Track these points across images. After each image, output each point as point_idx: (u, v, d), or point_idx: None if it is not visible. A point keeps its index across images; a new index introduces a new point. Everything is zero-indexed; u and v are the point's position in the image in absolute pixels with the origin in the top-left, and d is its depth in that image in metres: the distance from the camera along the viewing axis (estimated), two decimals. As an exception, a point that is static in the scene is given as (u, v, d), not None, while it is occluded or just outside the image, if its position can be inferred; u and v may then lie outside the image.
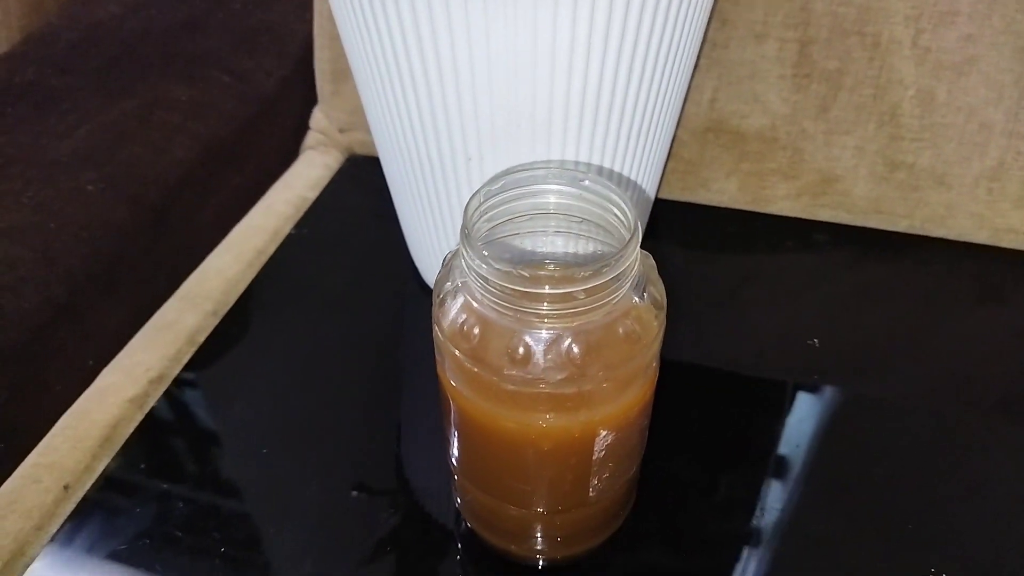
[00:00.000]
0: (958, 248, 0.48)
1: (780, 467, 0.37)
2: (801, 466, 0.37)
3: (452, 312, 0.26)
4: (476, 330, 0.25)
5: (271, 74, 0.58)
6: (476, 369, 0.25)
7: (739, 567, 0.33)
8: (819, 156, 0.48)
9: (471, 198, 0.26)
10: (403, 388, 0.42)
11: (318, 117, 0.57)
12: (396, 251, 0.47)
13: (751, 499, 0.35)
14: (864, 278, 0.47)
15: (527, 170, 0.27)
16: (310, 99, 0.57)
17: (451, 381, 0.27)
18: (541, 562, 0.33)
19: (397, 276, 0.47)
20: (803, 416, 0.39)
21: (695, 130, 0.49)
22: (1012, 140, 0.45)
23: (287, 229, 0.51)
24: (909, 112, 0.46)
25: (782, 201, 0.50)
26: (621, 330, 0.25)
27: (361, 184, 0.55)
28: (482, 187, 0.26)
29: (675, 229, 0.50)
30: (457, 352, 0.26)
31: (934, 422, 0.39)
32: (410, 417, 0.40)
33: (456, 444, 0.30)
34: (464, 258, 0.25)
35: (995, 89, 0.44)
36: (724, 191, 0.51)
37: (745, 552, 0.34)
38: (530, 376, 0.25)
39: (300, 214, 0.52)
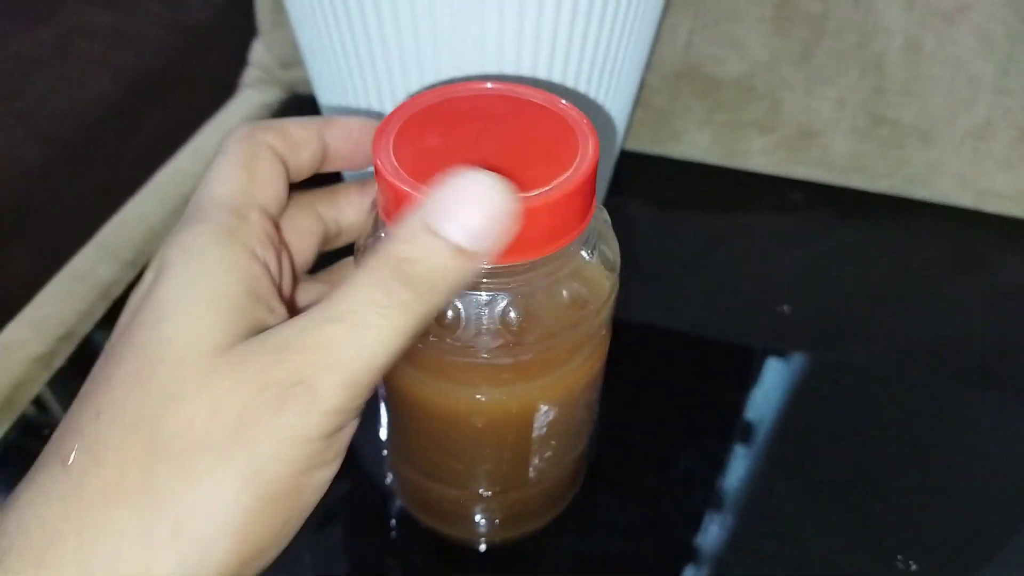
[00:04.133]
0: (940, 211, 0.45)
1: (746, 440, 0.34)
2: (769, 438, 0.35)
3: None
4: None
5: (206, 1, 0.53)
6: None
7: (696, 547, 0.31)
8: (798, 108, 0.45)
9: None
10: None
11: (258, 50, 0.52)
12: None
13: (712, 475, 0.33)
14: (841, 240, 0.44)
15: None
16: (250, 30, 0.52)
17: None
18: (482, 544, 0.30)
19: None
20: (773, 385, 0.37)
21: (667, 75, 0.45)
22: (1000, 97, 0.42)
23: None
24: (895, 62, 0.42)
25: (757, 156, 0.47)
26: (566, 293, 0.22)
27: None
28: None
29: (643, 184, 0.47)
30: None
31: (910, 391, 0.37)
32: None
33: (385, 418, 0.26)
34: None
35: (986, 41, 0.41)
36: (696, 144, 0.47)
37: (702, 532, 0.31)
38: (459, 344, 0.21)
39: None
